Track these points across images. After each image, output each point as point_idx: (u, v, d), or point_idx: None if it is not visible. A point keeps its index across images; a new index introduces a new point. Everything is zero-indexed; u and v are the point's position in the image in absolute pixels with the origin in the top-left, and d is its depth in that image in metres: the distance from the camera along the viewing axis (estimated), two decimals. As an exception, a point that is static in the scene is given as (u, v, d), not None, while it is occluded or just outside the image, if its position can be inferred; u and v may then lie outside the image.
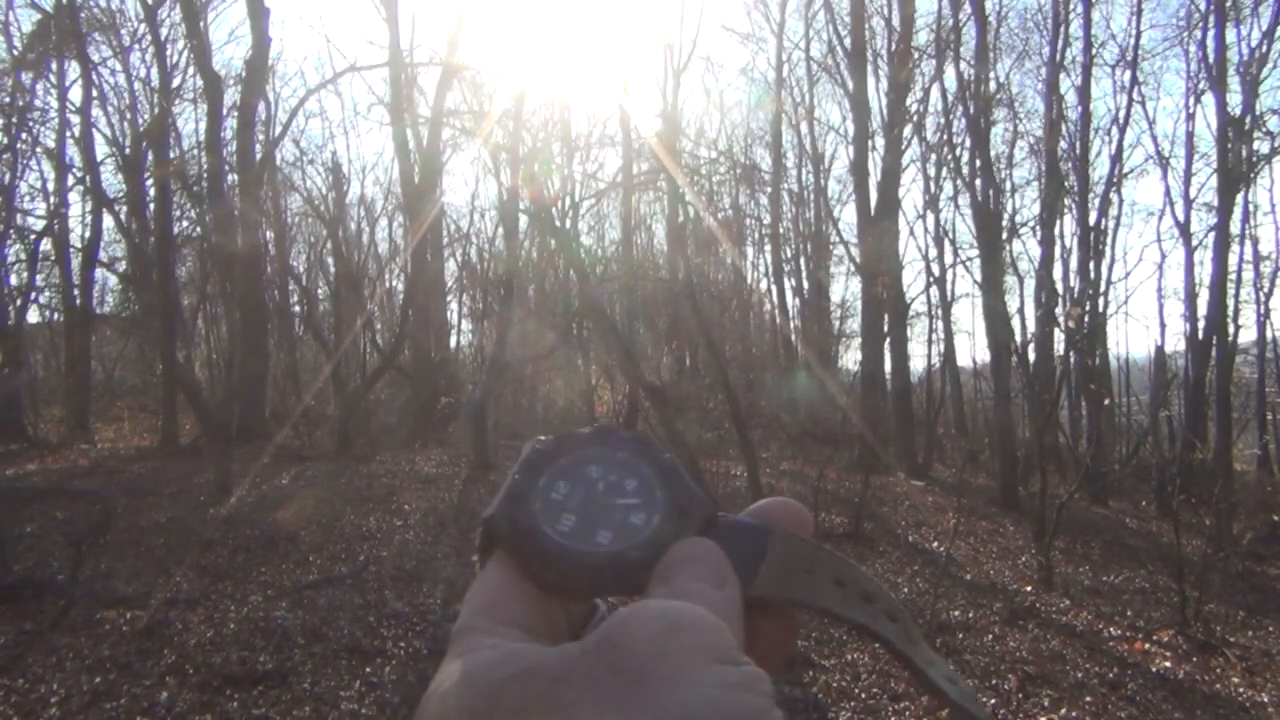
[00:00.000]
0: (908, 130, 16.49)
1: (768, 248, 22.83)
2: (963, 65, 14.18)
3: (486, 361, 14.22)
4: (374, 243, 23.13)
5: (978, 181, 14.36)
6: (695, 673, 0.28)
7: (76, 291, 15.51)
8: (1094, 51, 16.60)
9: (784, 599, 0.36)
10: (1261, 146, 15.10)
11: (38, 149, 16.17)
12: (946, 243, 19.23)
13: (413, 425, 14.20)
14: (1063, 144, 16.49)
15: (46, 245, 16.22)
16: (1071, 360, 15.64)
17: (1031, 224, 17.59)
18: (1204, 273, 15.45)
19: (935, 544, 8.56)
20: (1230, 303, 15.20)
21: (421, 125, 15.35)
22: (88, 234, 16.33)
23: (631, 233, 19.22)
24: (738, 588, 0.35)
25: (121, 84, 17.11)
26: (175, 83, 16.82)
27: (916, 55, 15.62)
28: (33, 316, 17.73)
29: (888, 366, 15.22)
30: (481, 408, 11.31)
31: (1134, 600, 7.19)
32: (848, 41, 15.62)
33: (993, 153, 16.06)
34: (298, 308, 20.09)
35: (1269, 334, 17.48)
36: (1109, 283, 18.00)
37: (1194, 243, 16.14)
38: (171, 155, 15.51)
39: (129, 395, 18.11)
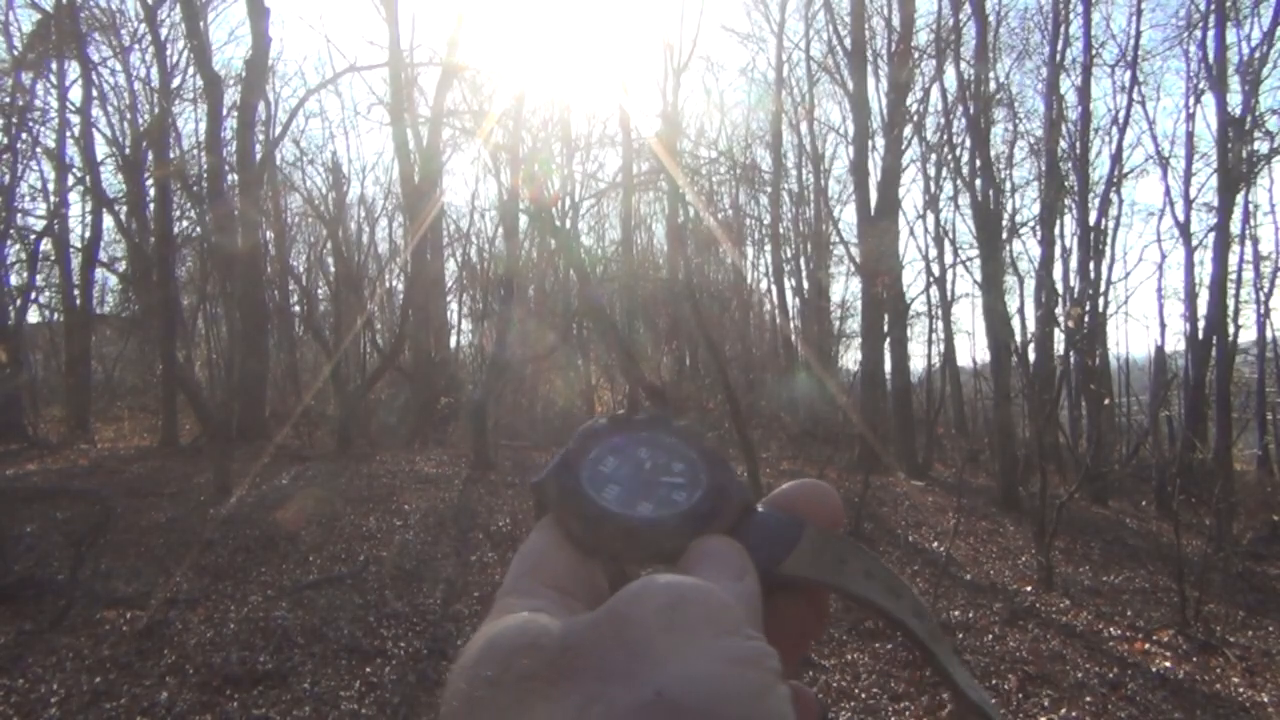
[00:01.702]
0: (908, 130, 16.49)
1: (768, 248, 22.87)
2: (963, 65, 14.18)
3: (486, 361, 14.22)
4: (374, 243, 23.16)
5: (978, 181, 14.36)
6: (700, 645, 0.29)
7: (76, 291, 15.52)
8: (1094, 51, 16.61)
9: (816, 580, 0.37)
10: (1261, 146, 15.10)
11: (38, 149, 16.19)
12: (946, 243, 19.26)
13: (413, 425, 14.20)
14: (1063, 144, 16.49)
15: (46, 245, 16.26)
16: (1071, 360, 15.64)
17: (1031, 224, 17.60)
18: (1204, 273, 15.47)
19: (935, 544, 8.56)
20: (1230, 303, 15.20)
21: (421, 125, 15.35)
22: (88, 234, 16.36)
23: (631, 233, 19.24)
24: (756, 581, 0.36)
25: (121, 84, 17.13)
26: (175, 83, 16.83)
27: (916, 55, 15.62)
28: (33, 316, 17.76)
29: (888, 366, 15.22)
30: (481, 408, 11.31)
31: (1134, 600, 7.18)
32: (848, 41, 15.62)
33: (993, 153, 16.08)
34: (298, 308, 20.10)
35: (1269, 334, 17.50)
36: (1109, 283, 18.02)
37: (1194, 243, 16.16)
38: (171, 155, 15.51)
39: (129, 395, 18.10)
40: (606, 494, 0.38)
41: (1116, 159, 16.90)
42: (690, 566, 0.35)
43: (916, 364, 19.76)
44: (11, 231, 15.49)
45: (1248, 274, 17.09)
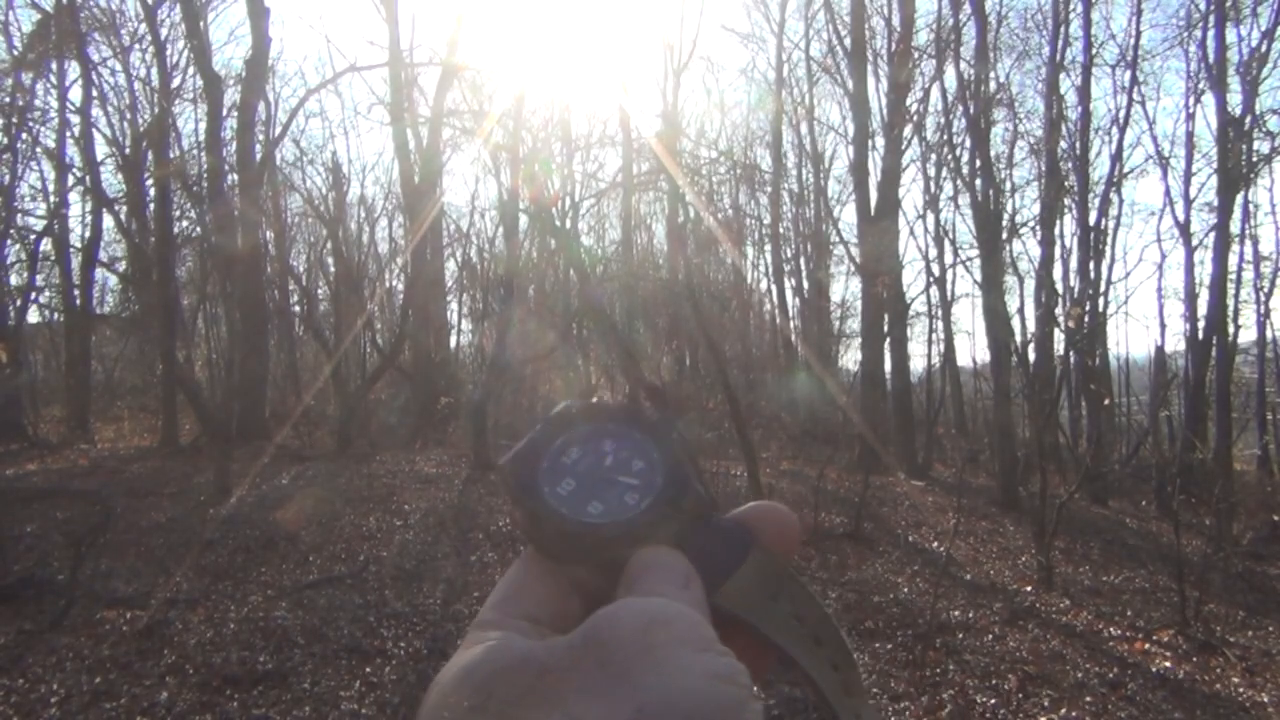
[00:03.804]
0: (908, 130, 16.49)
1: (768, 248, 22.86)
2: (963, 65, 14.18)
3: (486, 361, 14.22)
4: (374, 243, 23.15)
5: (978, 181, 14.36)
6: (677, 664, 0.29)
7: (76, 291, 15.52)
8: (1094, 51, 16.61)
9: (740, 615, 0.37)
10: (1261, 146, 15.11)
11: (38, 149, 16.17)
12: (946, 243, 19.24)
13: (413, 425, 14.20)
14: (1063, 144, 16.48)
15: (46, 245, 16.23)
16: (1071, 360, 15.64)
17: (1031, 224, 17.58)
18: (1204, 273, 15.47)
19: (935, 544, 8.56)
20: (1230, 303, 15.21)
21: (421, 125, 15.35)
22: (88, 234, 16.35)
23: (631, 233, 19.24)
24: (702, 590, 0.36)
25: (121, 84, 17.12)
26: (175, 83, 16.82)
27: (916, 55, 15.62)
28: (33, 316, 17.74)
29: (888, 366, 15.22)
30: (481, 408, 11.31)
31: (1134, 600, 7.19)
32: (848, 41, 15.62)
33: (993, 153, 16.08)
34: (298, 308, 20.09)
35: (1269, 334, 17.49)
36: (1109, 283, 18.03)
37: (1194, 243, 16.15)
38: (171, 155, 15.49)
39: (129, 395, 18.09)
40: (561, 488, 0.38)
41: (1116, 159, 16.92)
42: (633, 578, 0.36)
43: (916, 364, 19.78)
44: (11, 231, 15.48)
45: (1248, 274, 17.12)
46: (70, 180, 16.47)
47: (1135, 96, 16.99)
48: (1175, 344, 18.15)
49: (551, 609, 0.36)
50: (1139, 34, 16.50)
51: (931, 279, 19.40)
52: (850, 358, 21.82)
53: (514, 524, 0.39)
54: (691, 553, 0.37)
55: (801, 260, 22.72)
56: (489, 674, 0.31)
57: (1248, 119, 14.46)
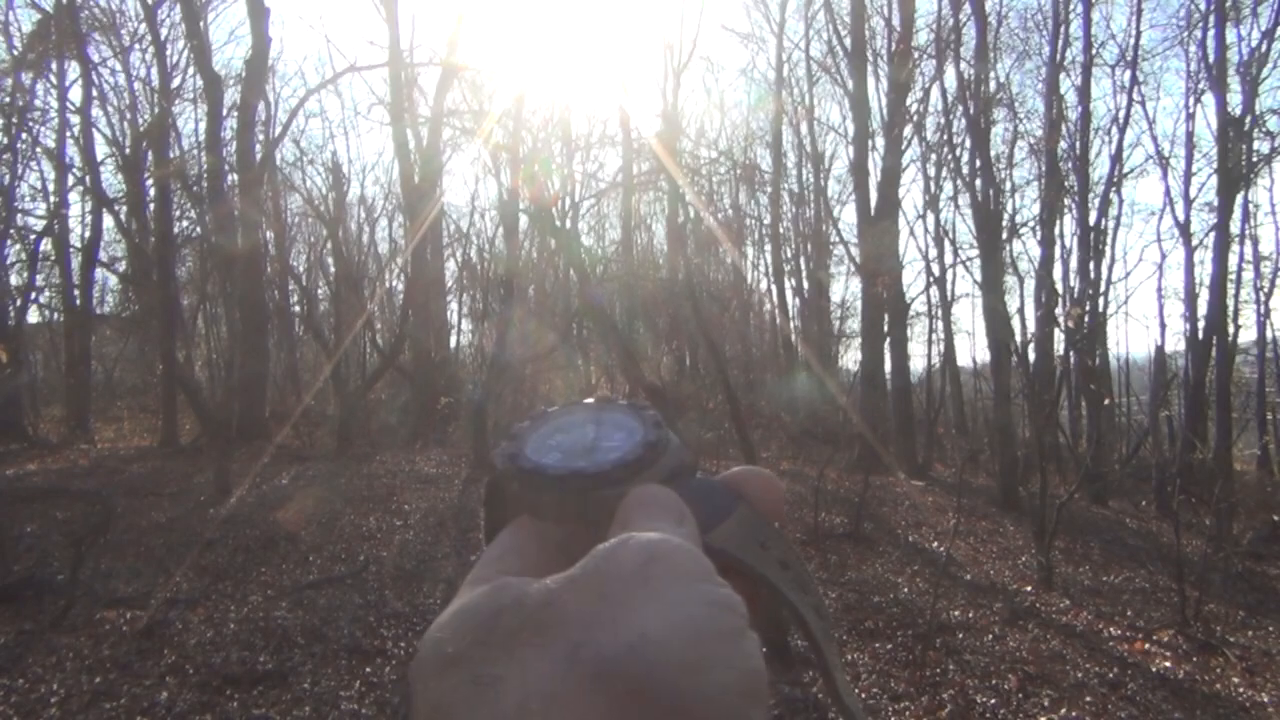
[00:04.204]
0: (908, 130, 16.49)
1: (768, 248, 22.84)
2: (963, 65, 14.19)
3: (486, 361, 14.22)
4: (374, 243, 23.18)
5: (978, 181, 14.35)
6: (677, 593, 0.30)
7: (76, 291, 15.51)
8: (1094, 51, 16.61)
9: (736, 557, 0.38)
10: (1261, 146, 15.12)
11: (38, 149, 16.17)
12: (946, 243, 19.23)
13: (413, 425, 14.20)
14: (1063, 144, 16.47)
15: (46, 245, 16.23)
16: (1071, 360, 15.63)
17: (1031, 224, 17.59)
18: (1204, 273, 15.47)
19: (935, 544, 8.55)
20: (1230, 303, 15.21)
21: (421, 125, 15.35)
22: (88, 234, 16.35)
23: (631, 233, 19.25)
24: (695, 526, 0.37)
25: (121, 84, 17.14)
26: (175, 83, 16.83)
27: (916, 55, 15.61)
28: (33, 316, 17.74)
29: (888, 366, 15.21)
30: (481, 408, 11.31)
31: (1134, 600, 7.19)
32: (848, 41, 15.62)
33: (993, 153, 16.06)
34: (298, 308, 20.09)
35: (1269, 334, 17.52)
36: (1109, 283, 18.01)
37: (1194, 243, 16.15)
38: (171, 155, 15.49)
39: (129, 395, 18.10)
40: (547, 459, 0.40)
41: (1116, 159, 16.91)
42: (627, 514, 0.36)
43: (916, 364, 19.78)
44: (11, 231, 15.48)
45: (1248, 274, 17.14)
46: (70, 180, 16.49)
47: (1135, 96, 17.01)
48: (1175, 344, 18.18)
49: (544, 570, 0.36)
50: (1139, 34, 16.51)
51: (931, 279, 19.41)
52: (850, 358, 21.84)
53: (504, 503, 0.39)
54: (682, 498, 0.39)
55: (801, 260, 22.74)
56: (491, 610, 0.31)
57: (1248, 119, 14.46)
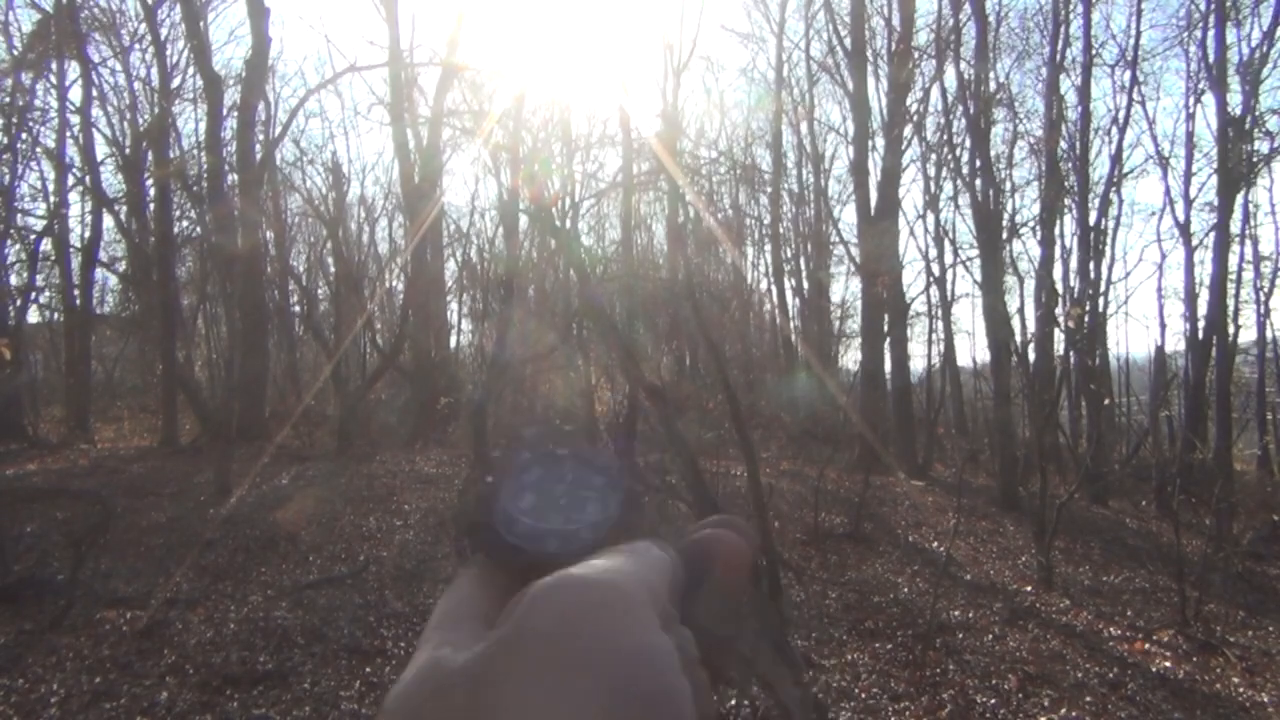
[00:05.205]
0: (908, 130, 16.48)
1: (768, 248, 22.84)
2: (963, 65, 14.18)
3: (486, 361, 14.22)
4: (374, 243, 23.17)
5: (978, 181, 14.34)
6: (606, 653, 0.28)
7: (76, 291, 15.50)
8: (1094, 51, 16.59)
9: (708, 629, 0.37)
10: (1261, 146, 15.09)
11: (38, 149, 16.17)
12: (946, 243, 19.21)
13: (413, 425, 14.19)
14: (1063, 144, 16.47)
15: (46, 245, 16.21)
16: (1071, 360, 15.63)
17: (1031, 224, 17.56)
18: (1204, 273, 15.45)
19: (935, 544, 8.55)
20: (1230, 303, 15.18)
21: (421, 125, 15.35)
22: (88, 234, 16.33)
23: (631, 233, 19.21)
24: (651, 560, 0.36)
25: (121, 84, 17.14)
26: (175, 83, 16.82)
27: (916, 55, 15.61)
28: (33, 316, 17.73)
29: (888, 366, 15.21)
30: (481, 408, 11.28)
31: (1134, 600, 7.18)
32: (848, 41, 15.61)
33: (993, 153, 16.06)
34: (298, 308, 20.09)
35: (1269, 334, 17.48)
36: (1109, 283, 17.99)
37: (1194, 243, 16.13)
38: (171, 155, 15.49)
39: (129, 395, 18.10)
40: (516, 530, 0.39)
41: (1116, 159, 16.89)
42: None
43: (916, 364, 19.75)
44: (11, 231, 15.47)
45: (1248, 274, 17.09)
46: (70, 180, 16.48)
47: (1135, 96, 16.98)
48: (1175, 344, 18.16)
49: (502, 604, 0.35)
50: (1139, 34, 16.47)
51: (931, 279, 19.40)
52: (850, 358, 21.82)
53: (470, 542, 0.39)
54: None
55: (801, 260, 22.73)
56: (417, 703, 0.30)
57: (1248, 119, 14.45)
